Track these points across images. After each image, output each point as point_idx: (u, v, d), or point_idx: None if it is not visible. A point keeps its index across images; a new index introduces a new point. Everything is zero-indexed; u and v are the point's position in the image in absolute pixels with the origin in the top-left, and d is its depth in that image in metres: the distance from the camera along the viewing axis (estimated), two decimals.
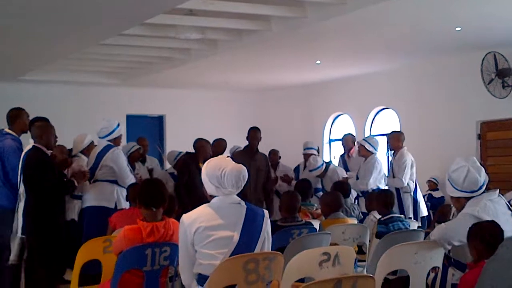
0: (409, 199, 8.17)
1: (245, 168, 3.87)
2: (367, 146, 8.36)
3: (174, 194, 7.18)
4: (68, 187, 6.53)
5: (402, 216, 6.29)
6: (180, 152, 9.31)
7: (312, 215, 6.92)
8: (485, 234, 3.84)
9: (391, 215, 6.02)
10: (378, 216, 6.58)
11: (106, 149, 7.01)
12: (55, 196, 6.33)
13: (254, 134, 8.17)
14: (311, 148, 9.39)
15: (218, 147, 8.98)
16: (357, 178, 8.44)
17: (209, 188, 3.87)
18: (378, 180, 8.33)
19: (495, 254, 2.27)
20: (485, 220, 4.08)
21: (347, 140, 9.41)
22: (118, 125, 7.19)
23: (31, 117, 6.97)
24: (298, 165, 9.52)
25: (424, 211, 8.38)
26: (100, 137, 7.12)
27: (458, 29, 8.44)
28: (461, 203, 4.59)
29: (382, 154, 9.32)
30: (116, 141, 7.18)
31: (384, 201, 6.18)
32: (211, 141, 8.74)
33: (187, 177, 7.96)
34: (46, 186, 6.11)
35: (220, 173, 3.78)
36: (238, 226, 3.78)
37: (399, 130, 9.35)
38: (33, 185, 6.10)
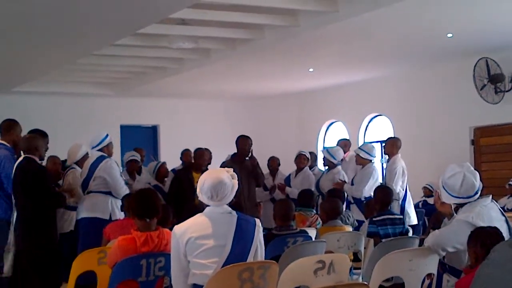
0: (395, 206, 8.13)
1: (226, 181, 3.84)
2: (362, 154, 8.31)
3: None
4: (60, 200, 6.52)
5: (398, 216, 6.20)
6: (159, 162, 9.31)
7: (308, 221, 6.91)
8: (487, 240, 3.82)
9: (384, 217, 5.97)
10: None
11: (99, 160, 7.00)
12: (51, 207, 6.33)
13: (242, 142, 8.13)
14: (304, 152, 9.44)
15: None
16: (352, 184, 8.42)
17: (202, 197, 3.91)
18: (373, 189, 8.28)
19: (487, 259, 2.27)
20: (488, 226, 4.07)
21: (342, 146, 9.42)
22: (107, 135, 7.24)
23: (25, 128, 6.96)
24: (289, 174, 9.50)
25: (414, 219, 8.28)
26: (92, 147, 7.16)
27: (449, 35, 8.48)
28: (447, 208, 4.61)
29: (378, 160, 9.28)
30: (107, 150, 7.18)
31: (383, 198, 6.16)
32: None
33: (175, 187, 7.97)
34: (43, 197, 6.10)
35: (202, 180, 3.86)
36: (229, 236, 3.79)
37: (395, 137, 9.30)
38: (31, 196, 6.07)
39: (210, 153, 9.00)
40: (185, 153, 10.23)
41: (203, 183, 3.84)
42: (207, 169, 8.21)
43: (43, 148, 6.42)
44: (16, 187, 6.15)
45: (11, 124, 6.72)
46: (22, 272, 6.27)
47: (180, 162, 10.06)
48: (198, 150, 8.38)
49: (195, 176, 7.95)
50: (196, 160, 8.21)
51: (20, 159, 6.26)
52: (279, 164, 9.87)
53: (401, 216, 6.31)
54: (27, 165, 6.14)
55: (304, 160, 9.30)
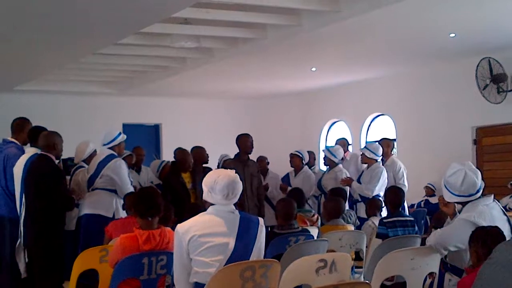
0: None
1: (238, 180, 3.90)
2: (368, 153, 8.33)
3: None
4: (72, 203, 6.50)
5: (409, 218, 6.17)
6: (163, 161, 9.29)
7: (309, 222, 6.92)
8: (488, 239, 3.82)
9: (394, 219, 5.96)
10: (377, 223, 6.58)
11: (109, 158, 6.91)
12: (63, 210, 6.29)
13: (243, 140, 8.13)
14: (298, 152, 9.42)
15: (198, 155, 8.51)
16: (359, 183, 8.44)
17: (204, 193, 3.92)
18: (382, 189, 8.32)
19: (489, 258, 2.26)
20: (489, 225, 4.07)
21: (341, 144, 9.45)
22: (120, 133, 7.17)
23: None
24: (288, 173, 9.50)
25: None
26: (103, 144, 7.07)
27: (452, 35, 8.47)
28: (451, 208, 4.61)
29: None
30: (119, 148, 7.11)
31: (394, 200, 6.13)
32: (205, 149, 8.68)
33: (170, 194, 7.87)
34: (57, 200, 6.07)
35: (214, 179, 3.86)
36: (232, 234, 3.80)
37: (388, 137, 9.36)
38: (45, 197, 6.03)
39: (190, 152, 8.67)
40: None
41: (216, 182, 3.84)
42: (209, 167, 8.22)
43: (61, 146, 6.37)
44: (28, 185, 6.10)
45: (24, 122, 6.71)
46: (27, 271, 6.27)
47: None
48: (180, 150, 8.15)
49: (184, 176, 7.92)
50: (181, 162, 8.01)
51: (30, 154, 6.21)
52: (267, 163, 9.90)
53: (412, 218, 6.23)
54: (43, 164, 6.07)
55: (294, 160, 9.30)
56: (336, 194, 7.41)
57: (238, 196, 3.90)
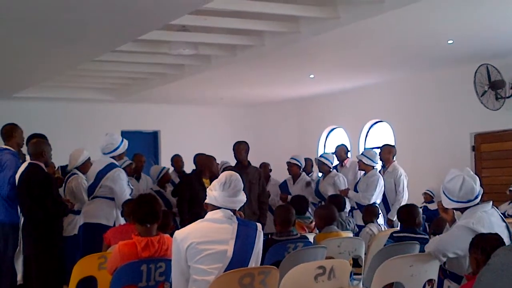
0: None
1: (239, 177, 3.97)
2: (365, 160, 8.34)
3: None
4: (64, 210, 6.48)
5: (423, 236, 6.05)
6: (164, 168, 9.32)
7: (307, 228, 6.91)
8: (487, 246, 3.81)
9: (405, 234, 5.87)
10: (374, 229, 6.56)
11: (108, 168, 6.80)
12: (56, 216, 6.29)
13: (238, 147, 8.17)
14: (296, 160, 9.42)
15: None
16: (355, 190, 8.44)
17: (213, 192, 3.93)
18: (379, 196, 8.32)
19: (488, 264, 2.26)
20: (488, 232, 4.06)
21: (340, 151, 9.45)
22: (122, 140, 7.00)
23: (26, 134, 6.95)
24: (285, 180, 9.49)
25: None
26: (104, 153, 6.92)
27: (450, 42, 8.49)
28: (450, 214, 4.60)
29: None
30: (120, 157, 7.04)
31: (404, 218, 6.03)
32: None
33: (189, 193, 7.92)
34: (49, 206, 6.07)
35: (229, 176, 3.94)
36: (231, 241, 3.79)
37: (390, 144, 9.37)
38: (37, 204, 6.04)
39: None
40: (175, 159, 10.25)
41: (218, 178, 3.95)
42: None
43: (49, 153, 6.38)
44: (22, 194, 6.12)
45: (12, 128, 6.73)
46: (25, 278, 6.26)
47: (172, 168, 10.08)
48: (212, 158, 8.26)
49: (205, 181, 7.93)
50: (209, 167, 8.11)
51: (25, 165, 6.23)
52: (270, 170, 9.88)
53: (426, 236, 6.00)
54: (33, 172, 6.09)
55: (293, 168, 9.30)
56: (334, 200, 7.40)
57: (236, 192, 3.91)
